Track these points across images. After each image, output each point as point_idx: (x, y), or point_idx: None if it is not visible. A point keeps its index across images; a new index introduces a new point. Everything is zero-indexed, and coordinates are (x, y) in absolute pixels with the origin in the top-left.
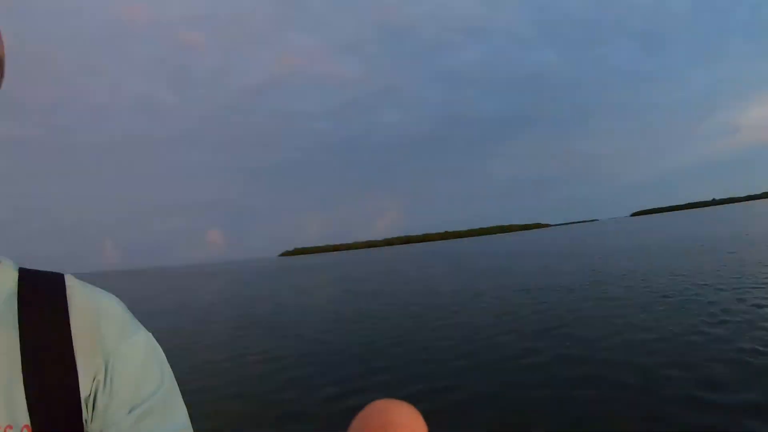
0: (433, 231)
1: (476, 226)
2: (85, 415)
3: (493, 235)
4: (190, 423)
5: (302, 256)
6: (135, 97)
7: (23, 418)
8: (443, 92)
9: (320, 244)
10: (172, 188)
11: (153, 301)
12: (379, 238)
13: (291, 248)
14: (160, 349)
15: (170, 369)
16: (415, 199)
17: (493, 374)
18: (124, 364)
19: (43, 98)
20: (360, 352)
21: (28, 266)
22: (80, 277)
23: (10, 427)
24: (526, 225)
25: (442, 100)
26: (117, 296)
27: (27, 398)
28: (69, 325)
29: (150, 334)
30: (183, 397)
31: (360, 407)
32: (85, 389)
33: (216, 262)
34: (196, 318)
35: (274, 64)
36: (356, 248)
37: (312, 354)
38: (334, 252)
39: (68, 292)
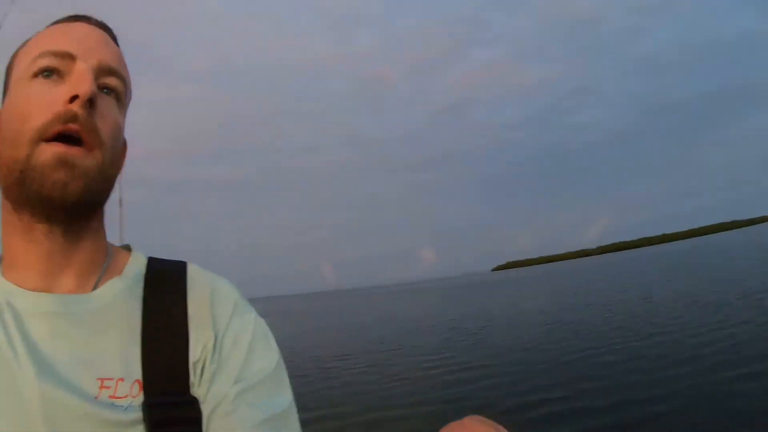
0: (650, 234)
1: (697, 225)
2: (192, 378)
3: (719, 233)
4: (294, 406)
5: (515, 269)
6: (337, 127)
7: (136, 373)
8: (640, 81)
9: (532, 256)
10: (380, 210)
11: (364, 315)
12: (592, 246)
13: (503, 262)
14: (270, 333)
15: (279, 352)
16: (626, 200)
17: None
18: (233, 340)
19: (255, 140)
20: (564, 366)
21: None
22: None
23: (122, 380)
24: (752, 219)
25: (641, 90)
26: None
27: (141, 357)
28: (186, 300)
29: (261, 318)
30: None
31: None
32: (194, 355)
33: (428, 279)
34: (407, 329)
35: (462, 82)
36: (569, 258)
37: (514, 363)
38: (547, 263)
39: (189, 275)
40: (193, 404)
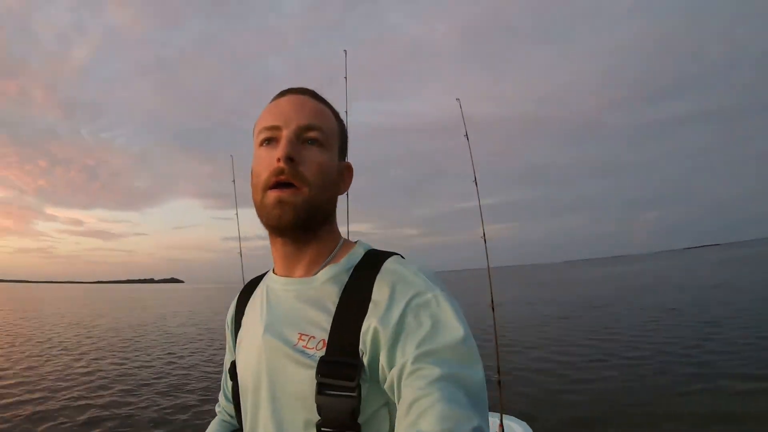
0: None
1: None
2: (361, 346)
3: None
4: (483, 380)
5: None
6: None
7: (324, 335)
8: None
9: None
10: None
11: None
12: None
13: None
14: (457, 312)
15: (466, 330)
16: None
17: None
18: (413, 317)
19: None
20: None
21: None
22: None
23: (313, 337)
24: None
25: None
26: None
27: (330, 325)
28: (372, 285)
29: (449, 298)
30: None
31: None
32: (365, 329)
33: None
34: None
35: None
36: None
37: None
38: None
39: (384, 265)
40: (354, 367)
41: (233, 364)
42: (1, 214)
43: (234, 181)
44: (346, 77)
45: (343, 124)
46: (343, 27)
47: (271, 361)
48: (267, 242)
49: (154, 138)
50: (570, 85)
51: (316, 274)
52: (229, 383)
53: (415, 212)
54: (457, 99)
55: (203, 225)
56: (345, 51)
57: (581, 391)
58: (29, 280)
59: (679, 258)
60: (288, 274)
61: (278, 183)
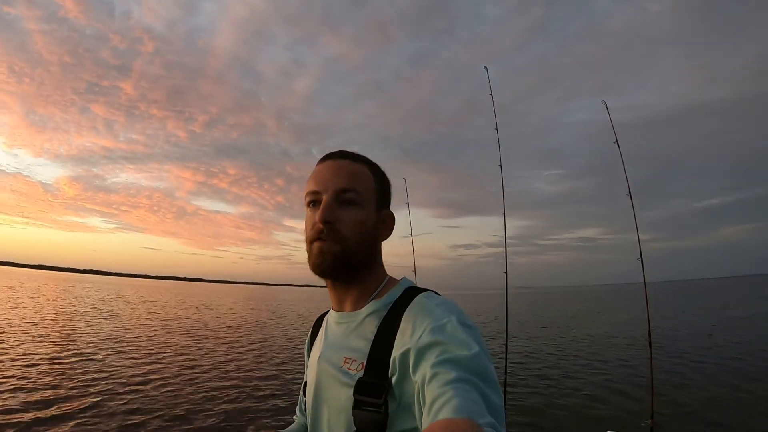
0: None
1: None
2: (391, 370)
3: None
4: (496, 396)
5: None
6: None
7: (363, 359)
8: None
9: None
10: None
11: None
12: None
13: None
14: (473, 335)
15: (480, 349)
16: None
17: None
18: (430, 340)
19: None
20: None
21: None
22: None
23: (355, 360)
24: None
25: None
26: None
27: (369, 351)
28: (401, 317)
29: (465, 324)
30: None
31: None
32: (394, 354)
33: None
34: None
35: None
36: None
37: None
38: None
39: (414, 300)
40: (382, 386)
41: (305, 383)
42: (247, 227)
43: (408, 202)
44: (491, 93)
45: (384, 178)
46: (548, 23)
47: (323, 380)
48: (495, 250)
49: (381, 153)
50: None
51: (361, 309)
52: (302, 399)
53: (646, 215)
54: (603, 102)
55: (433, 233)
56: (486, 67)
57: None
58: (270, 282)
59: None
60: (340, 309)
61: (320, 238)
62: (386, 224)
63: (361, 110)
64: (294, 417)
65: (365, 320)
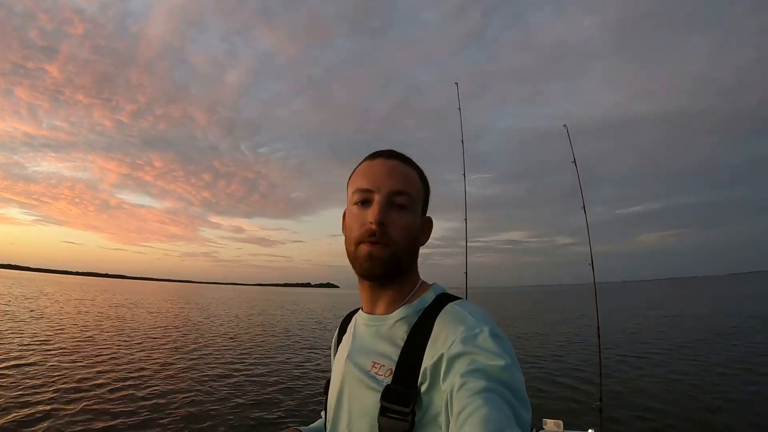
0: None
1: None
2: (420, 379)
3: None
4: (522, 396)
5: None
6: None
7: (392, 365)
8: None
9: None
10: None
11: None
12: None
13: None
14: (505, 347)
15: (511, 362)
16: None
17: None
18: (461, 350)
19: None
20: None
21: None
22: None
23: (383, 365)
24: None
25: None
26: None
27: (398, 358)
28: (432, 324)
29: (498, 335)
30: None
31: None
32: (425, 364)
33: None
34: None
35: None
36: None
37: None
38: None
39: (446, 307)
40: (410, 396)
41: (328, 382)
42: (171, 222)
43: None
44: (459, 108)
45: (427, 183)
46: (485, 32)
47: (349, 382)
48: (420, 250)
49: (310, 151)
50: (733, 74)
51: (391, 313)
52: (324, 397)
53: (570, 220)
54: (564, 125)
55: None
56: (456, 83)
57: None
58: (195, 280)
59: None
60: (371, 311)
61: (370, 241)
62: (426, 231)
63: (292, 107)
64: (321, 413)
65: (395, 325)
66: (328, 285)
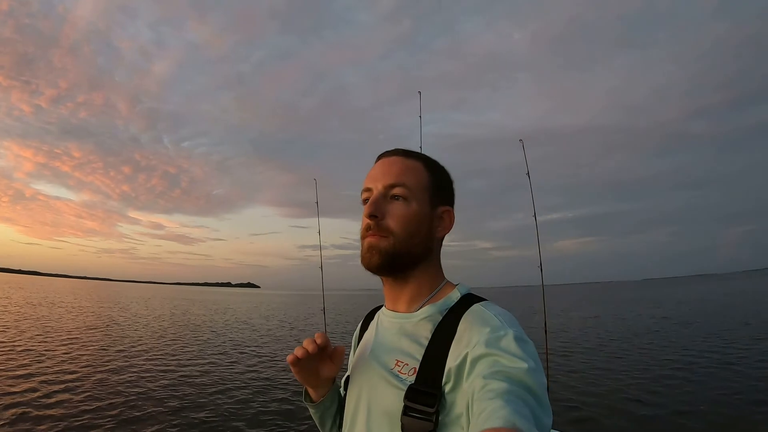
0: None
1: None
2: (444, 379)
3: None
4: (544, 401)
5: None
6: None
7: (416, 364)
8: None
9: None
10: None
11: None
12: None
13: None
14: (529, 350)
15: (534, 365)
16: None
17: None
18: (485, 351)
19: None
20: None
21: None
22: None
23: (407, 364)
24: None
25: None
26: None
27: (423, 357)
28: (457, 325)
29: (522, 338)
30: None
31: None
32: (449, 364)
33: None
34: None
35: None
36: None
37: None
38: None
39: (471, 308)
40: (435, 396)
41: (348, 377)
42: (87, 216)
43: (317, 202)
44: (420, 116)
45: (441, 173)
46: (416, 38)
47: (371, 379)
48: (342, 252)
49: (233, 148)
50: (653, 93)
51: (416, 311)
52: (343, 393)
53: (490, 225)
54: (521, 140)
55: (281, 233)
56: (420, 92)
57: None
58: (112, 278)
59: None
60: (394, 308)
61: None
62: (443, 221)
63: (217, 102)
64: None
65: (419, 324)
66: (249, 285)
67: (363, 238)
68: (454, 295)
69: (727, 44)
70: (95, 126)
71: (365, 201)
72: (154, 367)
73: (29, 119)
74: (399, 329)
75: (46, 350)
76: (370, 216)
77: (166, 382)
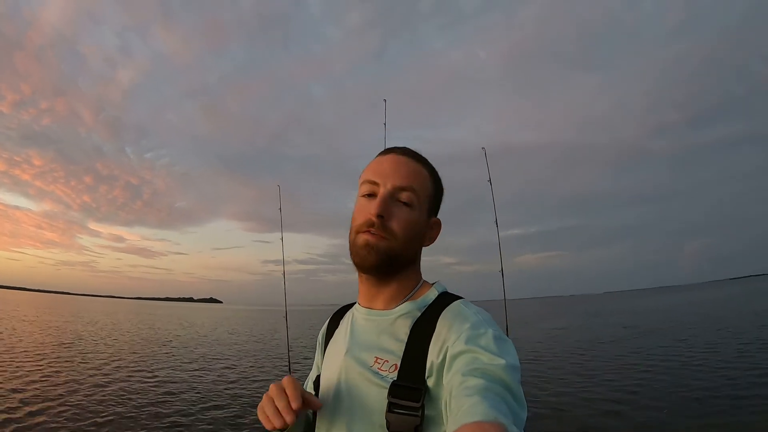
0: None
1: None
2: (427, 374)
3: None
4: (521, 405)
5: None
6: None
7: (396, 360)
8: None
9: None
10: None
11: None
12: None
13: None
14: (508, 348)
15: (513, 363)
16: None
17: None
18: (465, 347)
19: None
20: None
21: None
22: None
23: (387, 361)
24: None
25: None
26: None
27: (403, 353)
28: (436, 321)
29: (501, 337)
30: None
31: None
32: (430, 359)
33: None
34: None
35: None
36: None
37: None
38: None
39: (449, 306)
40: (419, 390)
41: (318, 378)
42: (47, 226)
43: (281, 209)
44: (385, 124)
45: (440, 184)
46: (383, 54)
47: (350, 378)
48: (305, 267)
49: (197, 160)
50: (613, 110)
51: (394, 308)
52: (313, 393)
53: (453, 240)
54: (483, 148)
55: (244, 247)
56: (385, 100)
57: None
58: (72, 292)
59: (729, 288)
60: (370, 306)
61: (369, 231)
62: (433, 231)
63: (182, 113)
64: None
65: (397, 321)
66: (212, 300)
67: (359, 231)
68: (432, 294)
69: (684, 64)
70: (57, 133)
71: (368, 194)
72: (129, 384)
73: None
74: (376, 326)
75: (16, 367)
76: (378, 215)
77: (142, 399)
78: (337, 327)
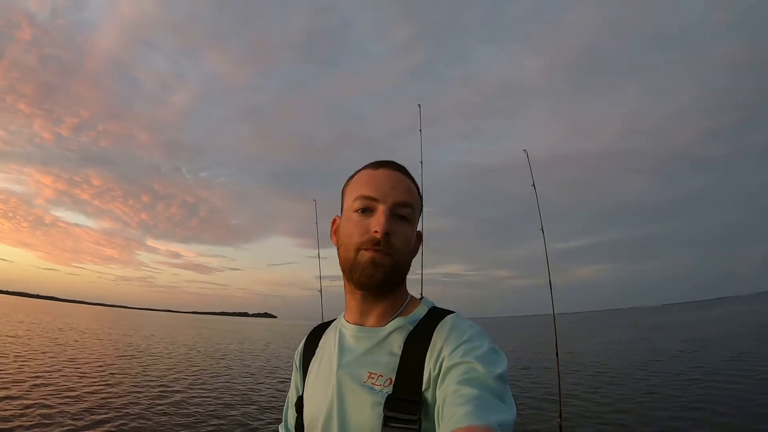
0: None
1: None
2: (424, 386)
3: None
4: (511, 412)
5: None
6: None
7: (391, 375)
8: None
9: None
10: None
11: None
12: None
13: None
14: (501, 360)
15: (503, 373)
16: None
17: None
18: (459, 359)
19: None
20: None
21: None
22: None
23: (381, 376)
24: None
25: None
26: None
27: (397, 367)
28: (432, 335)
29: (495, 349)
30: None
31: None
32: (426, 372)
33: None
34: None
35: None
36: None
37: None
38: None
39: (444, 319)
40: (417, 403)
41: (300, 399)
42: (106, 243)
43: (317, 223)
44: (420, 129)
45: (421, 199)
46: (430, 68)
47: (343, 395)
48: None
49: (251, 178)
50: (664, 116)
51: (385, 324)
52: (295, 415)
53: (508, 253)
54: (525, 150)
55: (298, 263)
56: (419, 105)
57: None
58: (130, 306)
59: None
60: (360, 322)
61: (374, 249)
62: (418, 244)
63: (235, 132)
64: (280, 429)
65: (390, 336)
66: (266, 315)
67: (359, 249)
68: (421, 309)
69: (739, 63)
70: (115, 155)
71: (362, 209)
72: (189, 397)
73: (50, 146)
74: (368, 343)
75: (82, 375)
76: (385, 234)
77: (202, 410)
78: (316, 346)
